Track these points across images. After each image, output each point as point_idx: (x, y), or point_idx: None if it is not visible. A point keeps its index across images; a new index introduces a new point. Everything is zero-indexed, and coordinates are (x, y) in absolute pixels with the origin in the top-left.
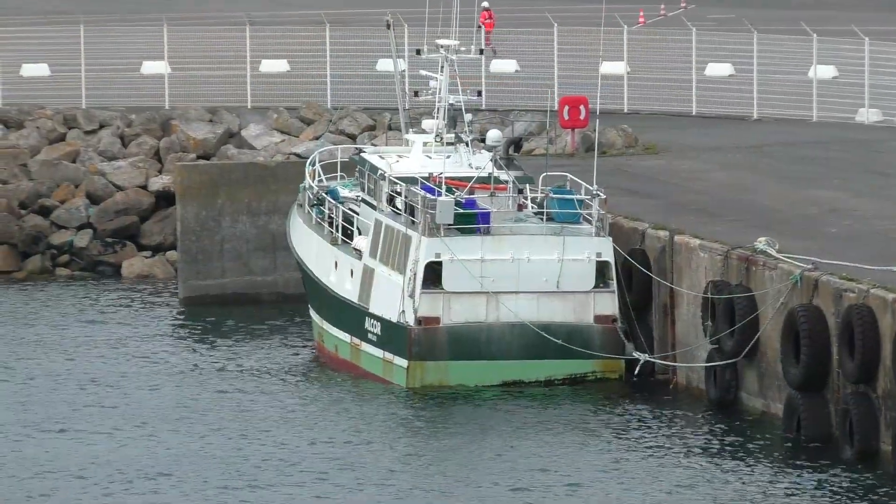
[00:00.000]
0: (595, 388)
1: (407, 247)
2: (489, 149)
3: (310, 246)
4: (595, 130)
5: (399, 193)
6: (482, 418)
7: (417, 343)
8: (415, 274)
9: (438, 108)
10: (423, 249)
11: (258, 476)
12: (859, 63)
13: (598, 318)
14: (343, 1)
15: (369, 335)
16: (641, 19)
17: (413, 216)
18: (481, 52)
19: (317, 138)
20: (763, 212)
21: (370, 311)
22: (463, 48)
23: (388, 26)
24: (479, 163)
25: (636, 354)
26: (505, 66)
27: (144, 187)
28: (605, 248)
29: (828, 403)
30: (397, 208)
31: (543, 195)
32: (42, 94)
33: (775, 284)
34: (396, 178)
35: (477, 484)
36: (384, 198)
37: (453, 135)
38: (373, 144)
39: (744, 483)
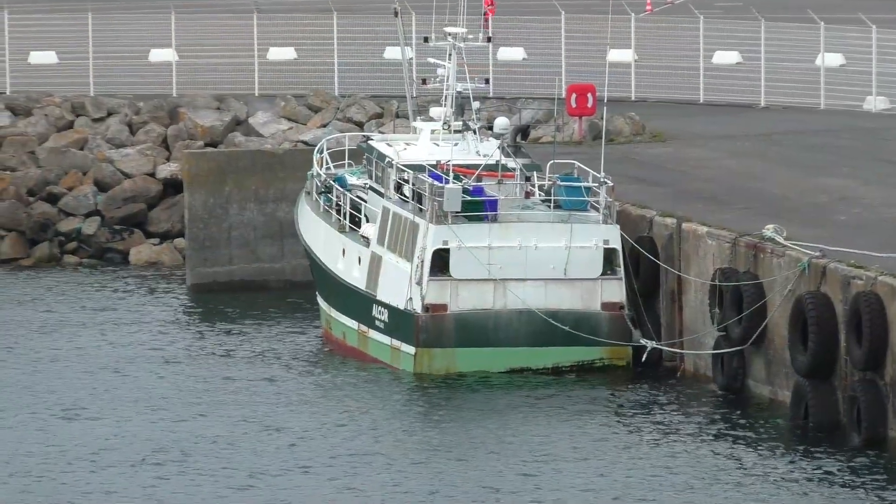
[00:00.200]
0: (602, 375)
1: (414, 234)
2: (497, 136)
3: (317, 233)
4: (602, 118)
5: (407, 181)
6: (489, 404)
7: (425, 330)
8: (422, 261)
9: (446, 96)
10: (430, 237)
11: (264, 461)
12: (867, 51)
13: (605, 306)
14: None
15: (377, 322)
16: (649, 7)
17: (420, 203)
18: (489, 39)
19: (324, 126)
20: (771, 200)
21: (378, 298)
22: (471, 36)
23: (396, 14)
24: (487, 150)
25: (643, 341)
26: (512, 53)
27: (152, 175)
28: (613, 236)
29: (835, 391)
30: (405, 196)
31: (551, 183)
32: (50, 82)
33: (783, 272)
34: (404, 165)
35: (483, 468)
36: (392, 185)
37: (461, 122)
38: (380, 132)
39: (751, 470)
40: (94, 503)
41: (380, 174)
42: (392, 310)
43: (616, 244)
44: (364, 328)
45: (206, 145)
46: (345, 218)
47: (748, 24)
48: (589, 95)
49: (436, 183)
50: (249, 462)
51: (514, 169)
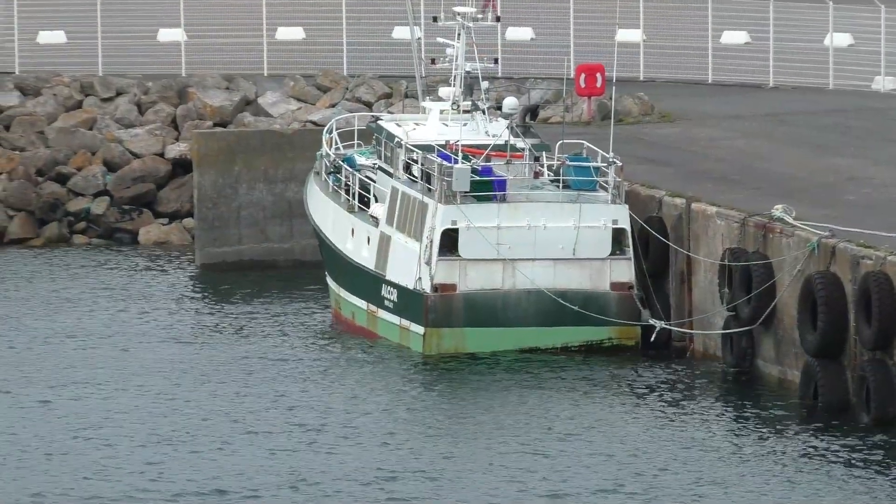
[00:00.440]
0: (611, 355)
1: (423, 214)
2: (506, 116)
3: (326, 213)
4: (611, 98)
5: (416, 161)
6: (497, 383)
7: (434, 310)
8: (431, 241)
9: (455, 76)
10: (439, 217)
11: (272, 438)
12: (875, 31)
13: (614, 286)
14: None
15: (386, 302)
16: None
17: (429, 183)
18: (498, 19)
19: (333, 106)
20: (780, 179)
21: (387, 278)
22: (479, 15)
23: None
24: (496, 130)
25: (652, 321)
26: (521, 34)
27: (161, 155)
28: (622, 216)
29: (845, 370)
30: (414, 176)
31: (560, 163)
32: (59, 62)
33: (792, 252)
34: (413, 145)
35: (490, 446)
36: (401, 165)
37: (470, 103)
38: (389, 112)
39: (759, 449)
40: (101, 478)
41: (389, 154)
42: (401, 290)
43: (625, 224)
44: (373, 308)
45: (215, 125)
46: (354, 198)
47: (756, 3)
48: (598, 75)
49: (445, 163)
50: (257, 439)
51: (522, 149)
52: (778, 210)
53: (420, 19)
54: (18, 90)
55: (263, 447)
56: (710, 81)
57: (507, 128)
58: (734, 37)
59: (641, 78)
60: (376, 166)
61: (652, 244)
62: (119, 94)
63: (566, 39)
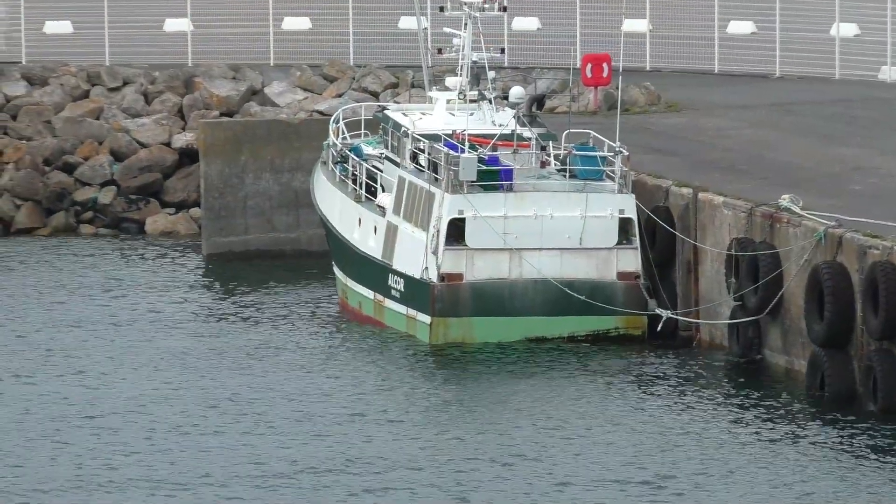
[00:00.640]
0: (617, 345)
1: (430, 203)
2: (512, 106)
3: (333, 203)
4: (618, 88)
5: (422, 150)
6: (504, 373)
7: (440, 299)
8: (438, 230)
9: (462, 66)
10: (446, 206)
11: (277, 427)
12: (882, 21)
13: (620, 275)
14: None
15: (393, 292)
16: None
17: (436, 173)
18: (504, 9)
19: (340, 96)
20: (786, 169)
21: (394, 267)
22: (486, 5)
23: None
24: (502, 120)
25: (659, 311)
26: (527, 23)
27: (168, 144)
28: (628, 205)
29: (851, 360)
30: (421, 165)
31: (566, 152)
32: (65, 51)
33: (799, 241)
34: (420, 135)
35: (496, 436)
36: (408, 155)
37: (476, 92)
38: (396, 102)
39: (766, 439)
40: (108, 465)
41: (395, 144)
42: (408, 279)
43: (631, 214)
44: (380, 298)
45: (222, 115)
46: (361, 188)
47: None
48: (604, 65)
49: (451, 152)
50: (262, 428)
51: (529, 138)
52: (785, 200)
53: (426, 9)
54: (25, 80)
55: (269, 435)
56: (716, 71)
57: (514, 117)
58: (740, 26)
59: (648, 68)
60: (383, 156)
61: (659, 234)
62: (126, 83)
63: (572, 29)
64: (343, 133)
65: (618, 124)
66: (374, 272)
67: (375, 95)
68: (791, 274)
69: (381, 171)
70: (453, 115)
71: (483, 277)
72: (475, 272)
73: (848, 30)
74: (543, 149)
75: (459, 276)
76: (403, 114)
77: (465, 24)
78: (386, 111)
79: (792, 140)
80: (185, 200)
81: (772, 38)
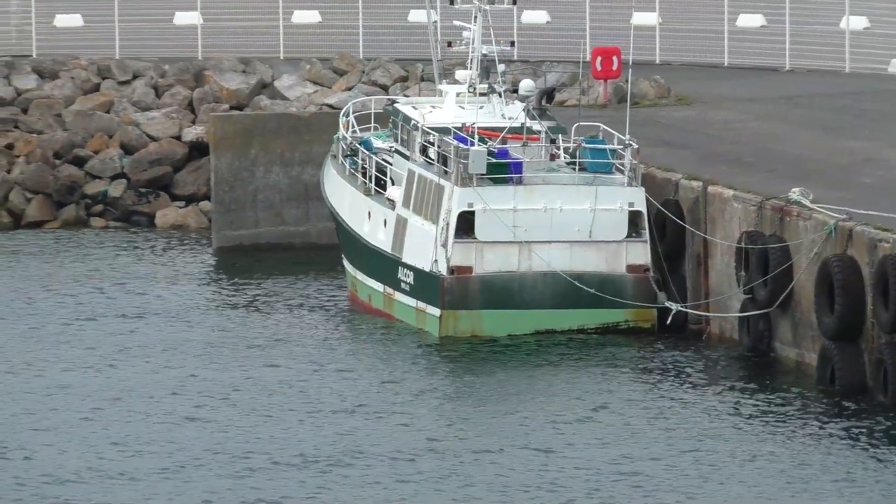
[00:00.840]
0: (627, 338)
1: (440, 196)
2: (522, 98)
3: (343, 196)
4: (628, 81)
5: (432, 143)
6: (513, 365)
7: (450, 292)
8: (447, 223)
9: (472, 59)
10: (455, 199)
11: (287, 419)
12: (891, 14)
13: (630, 268)
14: None
15: (402, 285)
16: None
17: (446, 166)
18: (514, 2)
19: (349, 89)
20: (796, 162)
21: (403, 260)
22: None
23: None
24: (512, 113)
25: (668, 304)
26: (536, 17)
27: (178, 138)
28: (638, 198)
29: (862, 353)
30: (430, 158)
31: (576, 145)
32: (76, 45)
33: (809, 234)
34: (430, 128)
35: (506, 428)
36: (417, 148)
37: (486, 85)
38: (405, 95)
39: (776, 432)
40: (119, 451)
41: (405, 137)
42: (417, 272)
43: (641, 206)
44: (390, 291)
45: (232, 108)
46: (370, 181)
47: None
48: (614, 58)
49: (461, 145)
50: (271, 420)
51: (539, 132)
52: (795, 193)
53: (436, 2)
54: (36, 73)
55: (278, 426)
56: (726, 64)
57: (524, 110)
58: (750, 20)
59: (657, 61)
60: (393, 149)
61: (668, 227)
62: (136, 77)
63: (582, 23)
64: (353, 126)
65: (627, 117)
66: (383, 265)
67: (385, 89)
68: (801, 267)
69: (391, 165)
70: (463, 108)
71: (492, 270)
72: (485, 265)
73: (858, 23)
74: (553, 142)
75: (469, 269)
76: (413, 107)
77: (475, 18)
78: (396, 104)
79: (801, 133)
80: (195, 194)
81: (781, 31)
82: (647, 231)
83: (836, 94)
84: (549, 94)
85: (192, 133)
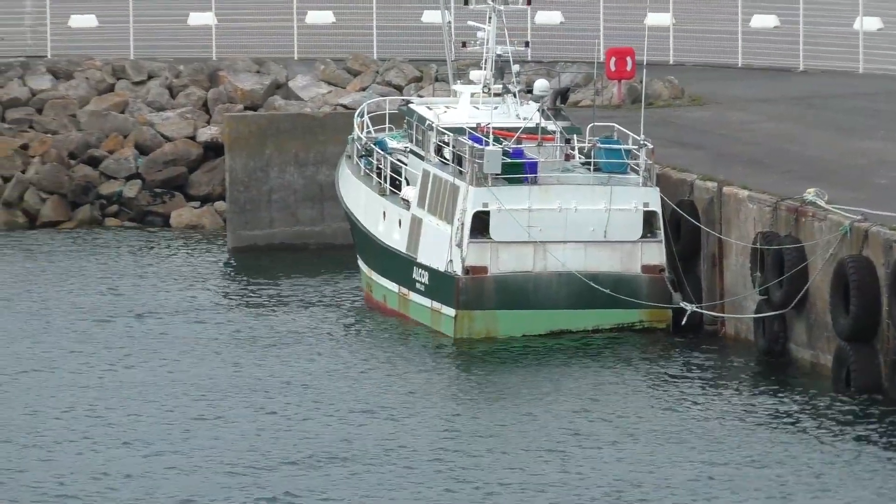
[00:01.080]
0: (642, 338)
1: (455, 196)
2: (537, 98)
3: (358, 196)
4: (642, 82)
5: (447, 143)
6: (528, 365)
7: (465, 292)
8: (462, 223)
9: (486, 59)
10: (470, 199)
11: (300, 416)
12: None
13: (645, 268)
14: None
15: (417, 285)
16: None
17: (461, 166)
18: (529, 2)
19: (363, 90)
20: (811, 163)
21: (418, 260)
22: None
23: None
24: (527, 113)
25: (683, 304)
26: (550, 17)
27: (193, 138)
28: (653, 198)
29: (877, 354)
30: (445, 158)
31: (591, 145)
32: (90, 45)
33: (824, 235)
34: (444, 128)
35: (520, 428)
36: (432, 148)
37: (501, 86)
38: (419, 96)
39: (793, 433)
40: (135, 448)
41: (420, 137)
42: (432, 272)
43: (656, 207)
44: (405, 291)
45: (246, 109)
46: (385, 181)
47: None
48: (628, 59)
49: (476, 145)
50: (285, 418)
51: (554, 132)
52: (810, 194)
53: (450, 2)
54: (51, 74)
55: (291, 426)
56: (739, 65)
57: (538, 110)
58: (764, 20)
59: (671, 62)
60: (408, 149)
61: (683, 227)
62: (151, 77)
63: (596, 23)
64: (368, 127)
65: (642, 118)
66: (398, 265)
67: (399, 89)
68: (816, 268)
69: (406, 165)
70: (478, 108)
71: (507, 270)
72: (499, 265)
73: (871, 24)
74: (568, 142)
75: (484, 269)
76: (428, 107)
77: (490, 18)
78: (410, 105)
79: (816, 134)
80: (209, 194)
81: (795, 31)
82: (662, 231)
83: (850, 94)
84: (563, 94)
85: (206, 133)
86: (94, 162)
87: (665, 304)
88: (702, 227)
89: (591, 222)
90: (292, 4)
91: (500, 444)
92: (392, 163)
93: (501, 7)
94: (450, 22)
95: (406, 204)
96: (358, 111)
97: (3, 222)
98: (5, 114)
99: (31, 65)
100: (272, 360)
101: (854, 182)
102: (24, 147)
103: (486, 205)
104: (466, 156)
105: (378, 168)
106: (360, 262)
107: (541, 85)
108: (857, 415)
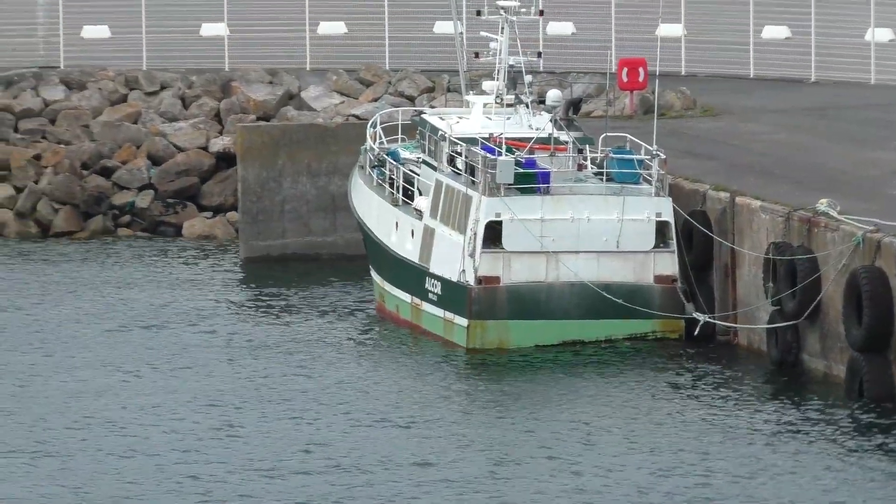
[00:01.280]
0: (655, 348)
1: (467, 206)
2: (549, 109)
3: (371, 207)
4: (654, 92)
5: (459, 154)
6: (540, 376)
7: (477, 302)
8: (475, 233)
9: (498, 70)
10: (483, 209)
11: (312, 426)
12: None
13: (657, 279)
14: None
15: (430, 295)
16: None
17: (473, 176)
18: (541, 13)
19: (376, 100)
20: (823, 173)
21: (431, 270)
22: (523, 9)
23: None
24: (539, 124)
25: (696, 315)
26: (562, 28)
27: (205, 148)
28: (665, 208)
29: (890, 365)
30: (458, 169)
31: (603, 155)
32: (103, 56)
33: (837, 246)
34: (457, 138)
35: (534, 438)
36: (444, 158)
37: (513, 96)
38: (432, 106)
39: (806, 444)
40: (145, 454)
41: (433, 147)
42: (445, 282)
43: (668, 217)
44: (417, 301)
45: (259, 119)
46: (398, 191)
47: None
48: (640, 70)
49: (488, 155)
50: (298, 427)
51: (566, 142)
52: (822, 204)
53: (462, 13)
54: (64, 84)
55: (305, 435)
56: (751, 76)
57: (551, 121)
58: (775, 31)
59: (683, 72)
60: (420, 160)
61: (696, 238)
62: (163, 88)
63: (607, 34)
64: (380, 137)
65: (655, 128)
66: (411, 275)
67: (411, 100)
68: (829, 278)
69: (419, 175)
70: (490, 118)
71: (520, 280)
72: (512, 275)
73: (883, 35)
74: (580, 152)
75: (496, 279)
76: (440, 118)
77: (502, 28)
78: (423, 115)
79: (828, 144)
80: (222, 204)
81: (807, 42)
82: (674, 241)
83: (862, 105)
84: (575, 104)
85: (219, 144)
86: (106, 172)
87: (678, 314)
88: (714, 237)
89: (603, 232)
90: (305, 15)
91: (513, 455)
92: (404, 173)
93: (514, 18)
94: (462, 32)
95: (418, 214)
96: (370, 122)
97: (15, 232)
98: (18, 124)
99: (44, 75)
100: (285, 369)
101: (866, 193)
102: (37, 157)
103: (498, 215)
104: (479, 166)
105: (391, 178)
106: (373, 273)
107: (553, 95)
108: (870, 425)
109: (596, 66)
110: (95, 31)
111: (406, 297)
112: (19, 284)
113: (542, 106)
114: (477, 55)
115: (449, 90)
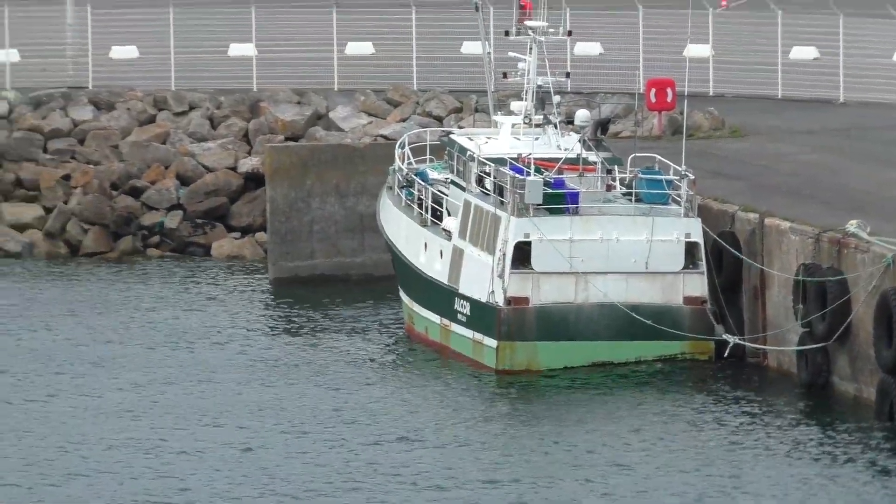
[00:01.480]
0: (684, 370)
1: (496, 227)
2: (578, 129)
3: (399, 227)
4: (682, 113)
5: (488, 174)
6: (569, 397)
7: (507, 323)
8: (504, 254)
9: (527, 90)
10: (511, 229)
11: (339, 446)
12: None
13: (687, 300)
14: None
15: (459, 316)
16: (724, 2)
17: (502, 196)
18: (570, 33)
19: (403, 120)
20: (851, 194)
21: (459, 291)
22: (551, 30)
23: (477, 8)
24: (568, 144)
25: (725, 336)
26: (590, 48)
27: (234, 169)
28: (694, 229)
29: None
30: (486, 189)
31: (632, 176)
32: (132, 76)
33: (867, 267)
34: (485, 159)
35: (561, 458)
36: (473, 179)
37: (542, 116)
38: (460, 126)
39: (837, 467)
40: (176, 468)
41: (461, 168)
42: (474, 303)
43: (698, 238)
44: (446, 322)
45: (287, 139)
46: (427, 212)
47: (826, 18)
48: (668, 90)
49: (517, 175)
50: (325, 445)
51: (595, 162)
52: (852, 225)
53: (491, 34)
54: (92, 105)
55: (333, 454)
56: (779, 97)
57: (579, 141)
58: (803, 52)
59: (711, 93)
60: (449, 180)
61: (725, 259)
62: (192, 108)
63: (635, 54)
64: (408, 158)
65: (684, 148)
66: (440, 296)
67: (439, 120)
68: (859, 300)
69: (447, 196)
70: (519, 139)
71: (549, 301)
72: (541, 296)
73: None
74: (609, 172)
75: (525, 300)
76: (469, 138)
77: (530, 49)
78: (451, 136)
79: (856, 165)
80: (250, 225)
81: (835, 63)
82: (703, 262)
83: (890, 126)
84: (604, 125)
85: (247, 164)
86: (135, 192)
87: (707, 335)
88: (744, 258)
89: (632, 253)
90: (332, 36)
91: (544, 477)
92: (433, 193)
93: (542, 38)
94: (490, 52)
95: (447, 234)
96: (399, 142)
97: (45, 252)
98: (47, 144)
99: (72, 96)
100: (314, 389)
101: (894, 213)
102: (66, 178)
103: (527, 235)
104: (508, 186)
105: (419, 199)
106: (402, 293)
107: (582, 115)
108: None
109: (624, 87)
110: (124, 52)
111: (435, 318)
112: (49, 304)
113: (570, 126)
114: (505, 75)
115: (477, 110)
